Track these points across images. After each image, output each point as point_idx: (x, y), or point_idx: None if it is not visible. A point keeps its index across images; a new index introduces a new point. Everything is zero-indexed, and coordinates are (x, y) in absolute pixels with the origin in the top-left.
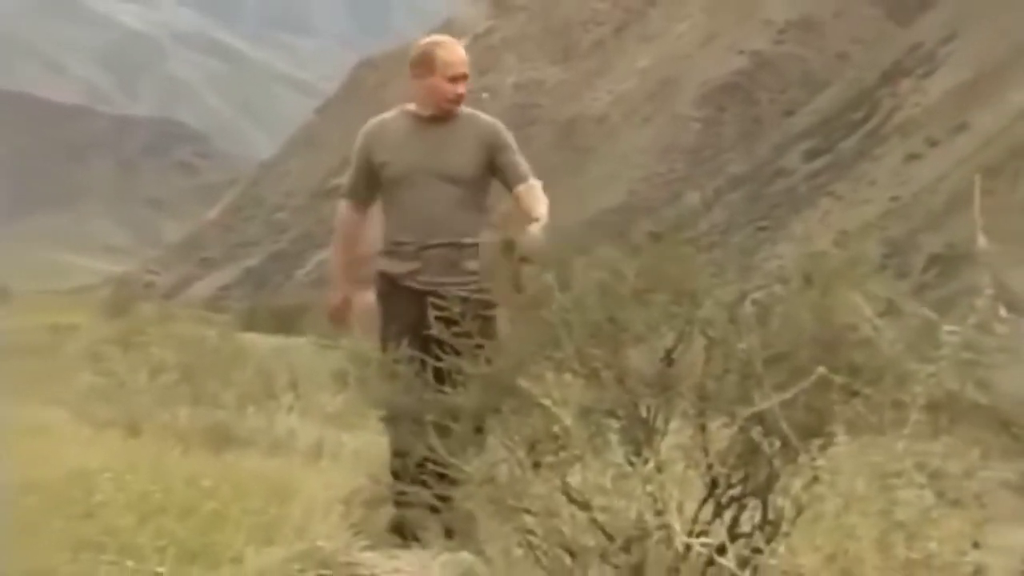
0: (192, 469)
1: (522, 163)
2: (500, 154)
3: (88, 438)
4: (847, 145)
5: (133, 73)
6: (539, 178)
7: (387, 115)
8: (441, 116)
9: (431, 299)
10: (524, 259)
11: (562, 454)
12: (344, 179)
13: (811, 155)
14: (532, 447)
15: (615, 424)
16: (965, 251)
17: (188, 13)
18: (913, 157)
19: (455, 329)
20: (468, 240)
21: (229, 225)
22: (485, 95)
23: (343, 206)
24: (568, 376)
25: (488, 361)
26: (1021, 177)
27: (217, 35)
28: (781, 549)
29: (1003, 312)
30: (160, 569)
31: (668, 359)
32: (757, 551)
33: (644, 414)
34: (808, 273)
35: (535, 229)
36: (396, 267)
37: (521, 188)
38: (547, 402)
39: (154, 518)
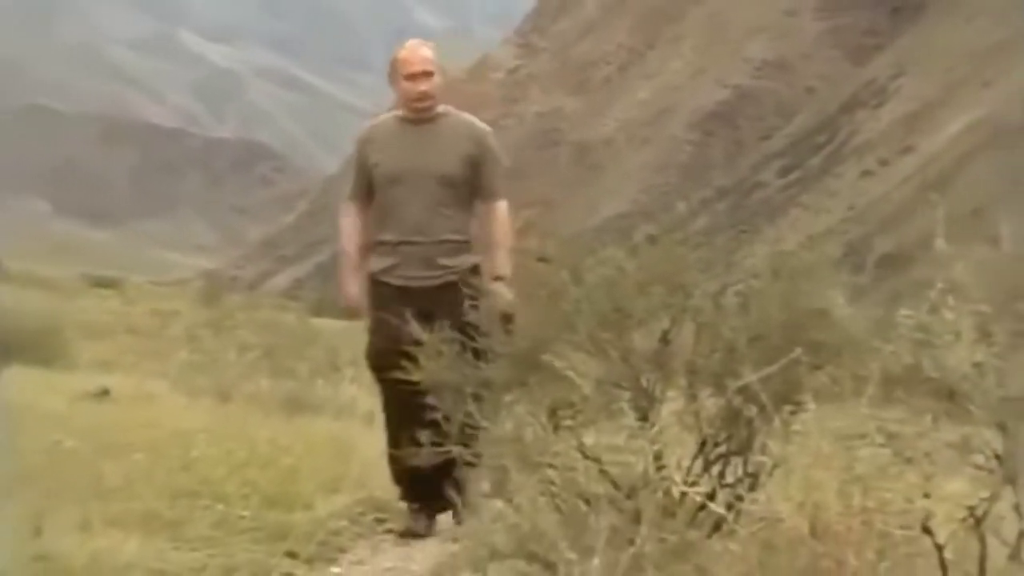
0: (272, 430)
1: (498, 178)
2: (483, 161)
3: (185, 405)
4: (813, 163)
5: (221, 102)
6: (560, 191)
7: (378, 120)
8: (418, 117)
9: (407, 295)
10: (506, 316)
11: (579, 418)
12: (350, 183)
13: (784, 171)
14: (553, 413)
15: (624, 395)
16: (909, 252)
17: (267, 52)
18: (867, 174)
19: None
20: (449, 238)
21: (302, 228)
22: (511, 122)
23: (346, 208)
24: (582, 355)
25: (514, 343)
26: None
27: (291, 71)
28: (760, 497)
29: (951, 300)
30: (245, 513)
31: (665, 340)
32: (740, 499)
33: (645, 386)
34: (776, 268)
35: (501, 289)
36: (377, 264)
37: (486, 207)
38: (571, 373)
39: (240, 471)
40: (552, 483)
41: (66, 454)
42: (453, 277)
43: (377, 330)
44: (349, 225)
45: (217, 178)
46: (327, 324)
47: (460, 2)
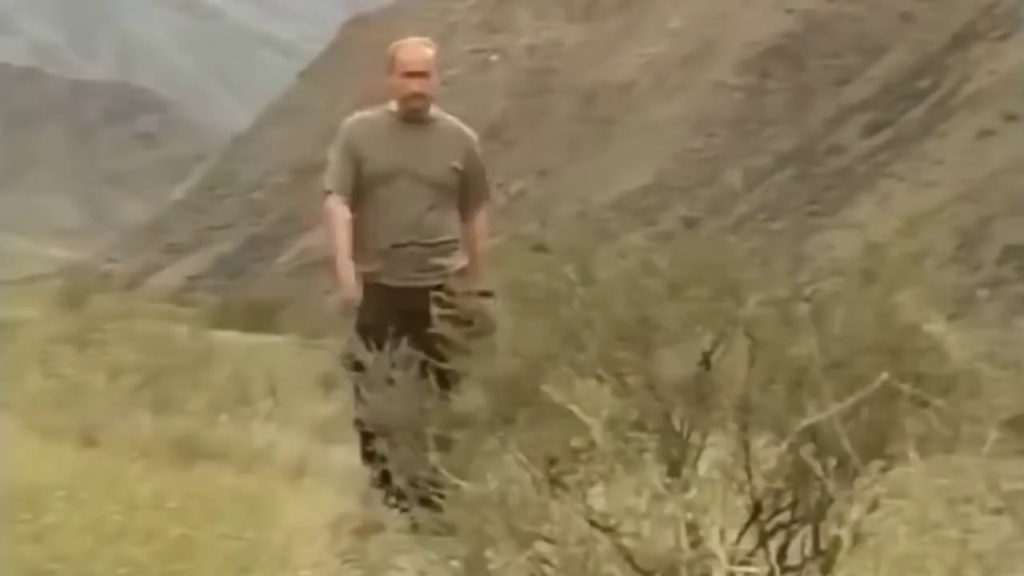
0: (156, 487)
1: (483, 188)
2: (470, 171)
3: (37, 450)
4: (910, 119)
5: (89, 31)
6: (556, 154)
7: (370, 112)
8: (409, 116)
9: (401, 296)
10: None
11: (584, 471)
12: (329, 174)
13: (869, 130)
14: (550, 464)
15: (646, 439)
16: None
17: None
18: (987, 133)
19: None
20: (438, 239)
21: (198, 206)
22: (494, 57)
23: (334, 201)
24: (591, 382)
25: (495, 364)
26: None
27: None
28: None
29: None
30: None
31: (706, 363)
32: None
33: (678, 427)
34: (868, 267)
35: (488, 306)
36: (368, 266)
37: (470, 216)
38: (576, 409)
39: (113, 543)
40: (547, 562)
41: None
42: (442, 280)
43: (368, 332)
44: (341, 219)
45: (83, 135)
46: (233, 339)
47: None
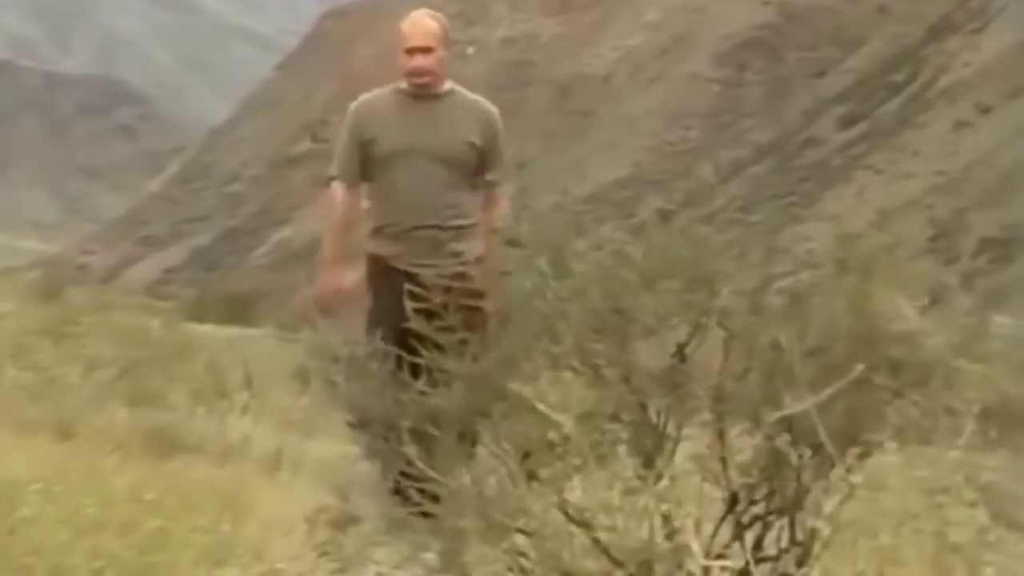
0: (132, 479)
1: (502, 165)
2: (488, 145)
3: (12, 443)
4: (887, 111)
5: (65, 24)
6: (533, 146)
7: (379, 91)
8: (417, 92)
9: (410, 287)
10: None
11: (559, 465)
12: (335, 160)
13: (845, 122)
14: (525, 457)
15: (621, 430)
16: (1021, 233)
17: None
18: (962, 125)
19: (438, 323)
20: (456, 223)
21: (175, 198)
22: (470, 51)
23: (336, 189)
24: (567, 375)
25: (475, 357)
26: None
27: None
28: (813, 575)
29: None
30: None
31: (681, 355)
32: None
33: (654, 419)
34: (842, 258)
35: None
36: (384, 248)
37: (488, 195)
38: (542, 406)
39: (89, 536)
40: (523, 555)
41: None
42: (462, 268)
43: (382, 319)
44: (342, 208)
45: (60, 128)
46: (210, 332)
47: None
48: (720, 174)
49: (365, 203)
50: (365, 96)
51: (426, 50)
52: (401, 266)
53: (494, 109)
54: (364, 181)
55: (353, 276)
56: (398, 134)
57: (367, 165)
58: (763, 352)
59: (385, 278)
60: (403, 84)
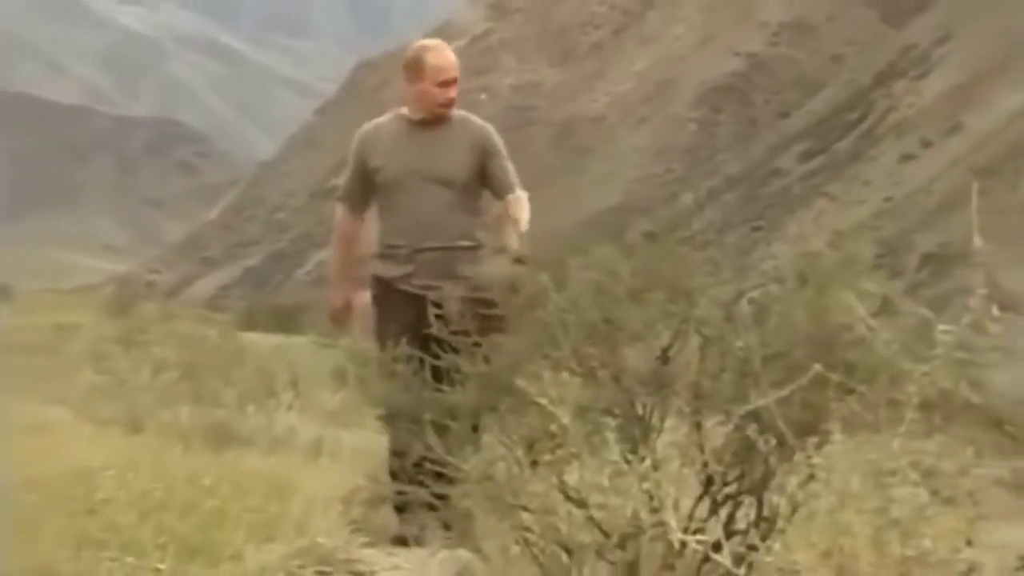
0: (193, 467)
1: (511, 171)
2: (491, 160)
3: (90, 436)
4: (841, 146)
5: (134, 74)
6: (536, 178)
7: (381, 119)
8: (432, 120)
9: (429, 299)
10: (518, 260)
11: (559, 452)
12: (341, 181)
13: (806, 156)
14: (530, 446)
15: (612, 422)
16: (958, 251)
17: (188, 15)
18: (907, 158)
19: (454, 327)
20: (462, 244)
21: (229, 225)
22: (483, 96)
23: (339, 210)
24: (565, 375)
25: (486, 360)
26: (1018, 177)
27: (217, 37)
28: (776, 546)
29: (996, 311)
30: (161, 566)
31: (664, 357)
32: (752, 548)
33: (640, 412)
34: (803, 273)
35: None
36: (390, 271)
37: (509, 198)
38: (544, 401)
39: (155, 515)
40: (528, 529)
41: None
42: (469, 293)
43: (391, 338)
44: (341, 228)
45: (128, 164)
46: (259, 339)
47: None
48: (698, 201)
49: (374, 224)
50: (369, 124)
51: (456, 81)
52: (408, 288)
53: (486, 124)
54: (371, 205)
55: (364, 292)
56: (402, 160)
57: (373, 191)
58: (734, 355)
59: (389, 299)
60: (405, 111)
